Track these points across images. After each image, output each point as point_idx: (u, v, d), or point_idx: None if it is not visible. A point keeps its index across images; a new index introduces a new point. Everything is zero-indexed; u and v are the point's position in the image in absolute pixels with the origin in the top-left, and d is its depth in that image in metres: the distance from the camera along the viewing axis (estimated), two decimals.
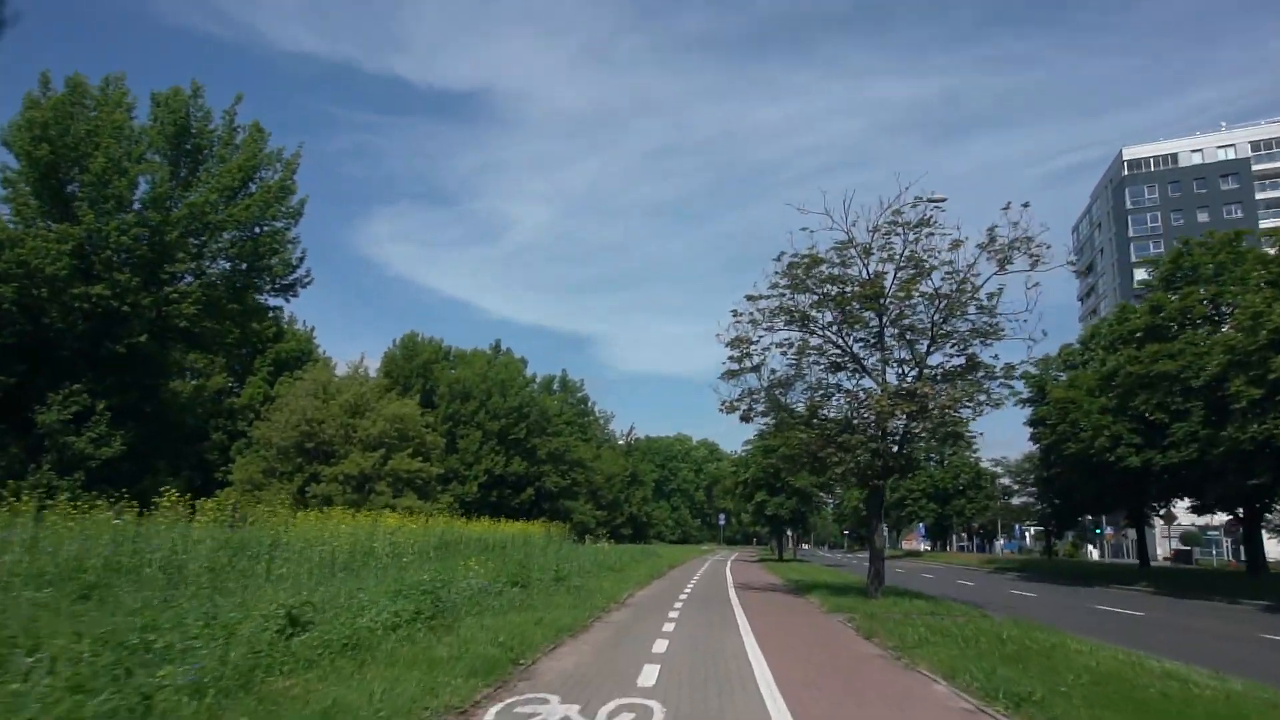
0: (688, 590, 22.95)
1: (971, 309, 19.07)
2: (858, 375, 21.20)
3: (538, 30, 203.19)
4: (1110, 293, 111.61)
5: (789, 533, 57.89)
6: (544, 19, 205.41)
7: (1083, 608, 23.64)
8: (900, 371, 20.52)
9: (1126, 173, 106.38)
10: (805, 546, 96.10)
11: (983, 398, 18.92)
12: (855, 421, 20.59)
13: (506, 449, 67.06)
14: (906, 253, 19.12)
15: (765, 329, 20.97)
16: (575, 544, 38.40)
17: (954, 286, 18.75)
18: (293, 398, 55.96)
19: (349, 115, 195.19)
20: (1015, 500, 54.33)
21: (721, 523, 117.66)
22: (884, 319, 20.14)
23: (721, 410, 22.00)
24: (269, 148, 36.23)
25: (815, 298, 20.20)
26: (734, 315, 21.26)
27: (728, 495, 68.03)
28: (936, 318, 19.23)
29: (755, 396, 21.73)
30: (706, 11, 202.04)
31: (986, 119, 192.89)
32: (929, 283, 19.12)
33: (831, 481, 51.58)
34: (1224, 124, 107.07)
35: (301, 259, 38.64)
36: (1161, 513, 41.32)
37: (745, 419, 22.09)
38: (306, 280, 38.95)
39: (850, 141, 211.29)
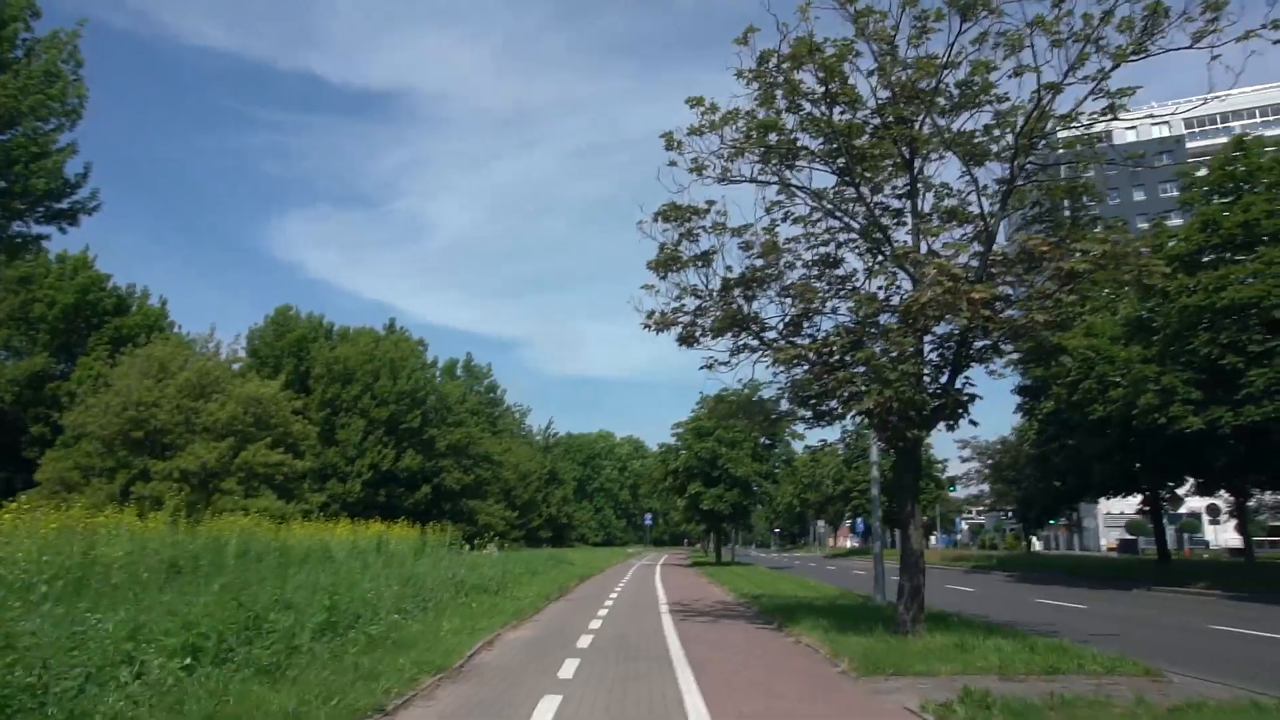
0: (596, 623, 14.35)
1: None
2: (874, 252, 12.91)
3: (458, 29, 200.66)
4: None
5: (729, 531, 50.06)
6: (465, 18, 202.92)
7: (1205, 629, 15.90)
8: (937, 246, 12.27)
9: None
10: (736, 547, 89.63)
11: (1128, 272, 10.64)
12: (875, 329, 12.27)
13: (397, 441, 57.28)
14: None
15: (718, 178, 12.52)
16: (459, 552, 29.47)
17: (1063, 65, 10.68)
18: (118, 378, 45.22)
19: (262, 113, 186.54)
20: (980, 487, 47.70)
21: (648, 523, 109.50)
22: (918, 154, 11.90)
23: (647, 327, 13.50)
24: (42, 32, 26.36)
25: (806, 114, 11.86)
26: (671, 159, 12.77)
27: (655, 490, 59.65)
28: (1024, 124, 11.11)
29: (703, 301, 13.25)
30: (625, 13, 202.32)
31: None
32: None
33: (821, 450, 43.46)
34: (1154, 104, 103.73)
35: (85, 176, 28.67)
36: (1167, 495, 34.57)
37: (686, 341, 13.57)
38: (93, 205, 28.94)
39: None
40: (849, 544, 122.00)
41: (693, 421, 45.48)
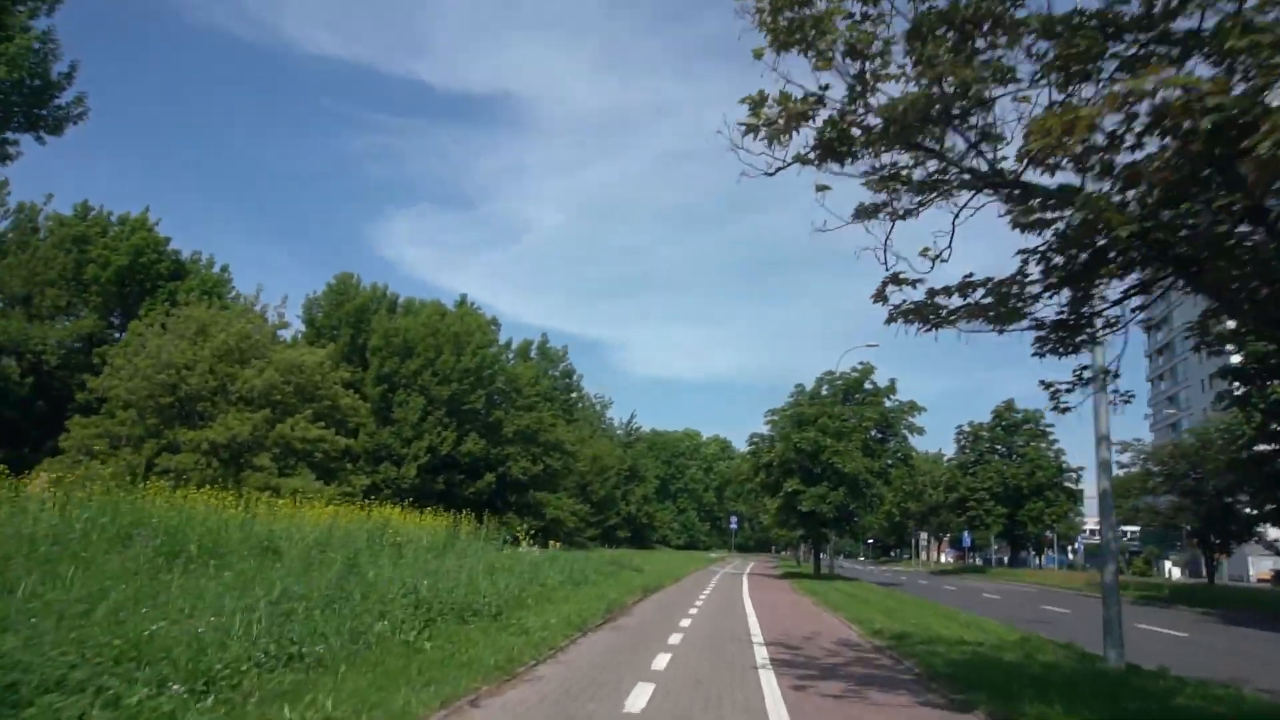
0: (640, 695, 7.77)
1: None
2: None
3: (556, 34, 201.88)
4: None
5: (830, 539, 42.67)
6: (562, 23, 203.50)
7: None
8: None
9: None
10: (822, 556, 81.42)
11: None
12: None
13: (459, 423, 52.02)
14: None
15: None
16: (502, 549, 23.56)
17: None
18: (152, 338, 41.09)
19: (369, 117, 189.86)
20: (1145, 500, 39.14)
21: (733, 526, 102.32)
22: None
23: (751, 130, 6.71)
24: None
25: None
26: None
27: (742, 490, 52.81)
28: None
29: (868, 67, 6.44)
30: (723, 17, 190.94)
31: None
32: None
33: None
34: None
35: (70, 76, 23.89)
36: None
37: (828, 151, 6.76)
38: (78, 112, 24.13)
39: None
40: (944, 559, 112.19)
41: (791, 408, 38.51)
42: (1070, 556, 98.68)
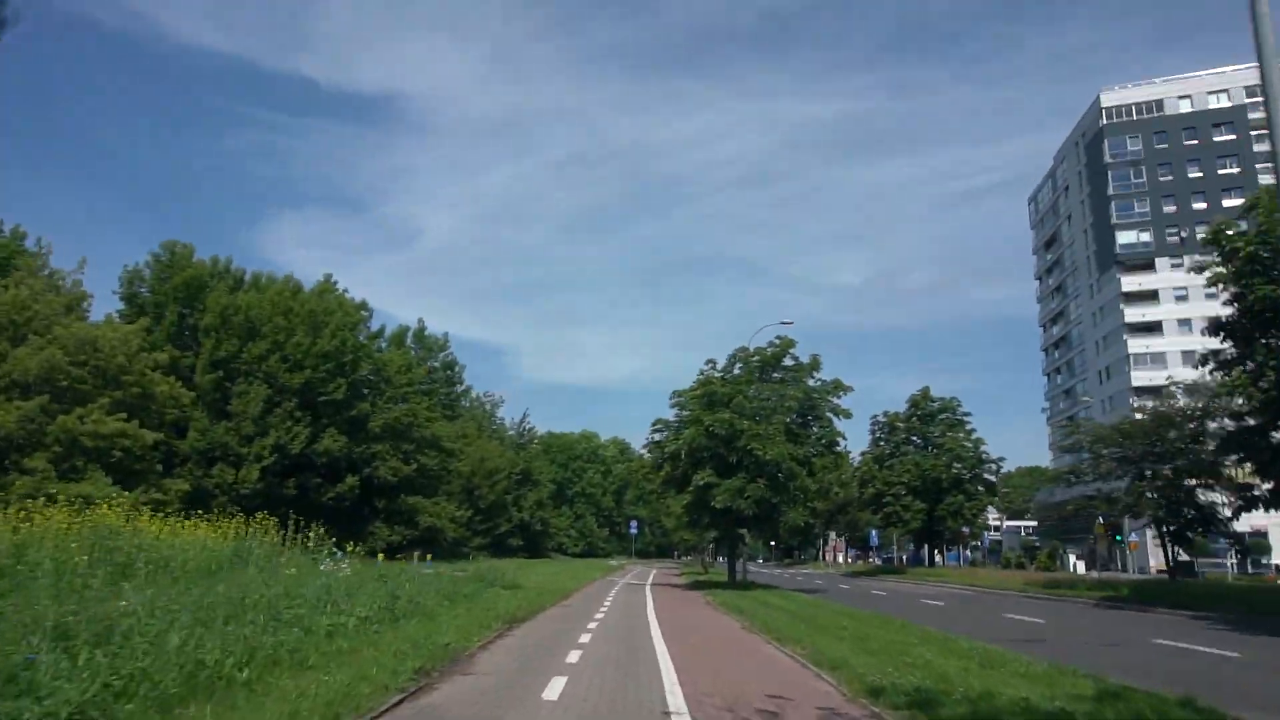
0: None
1: None
2: None
3: (449, 35, 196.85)
4: (1081, 265, 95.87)
5: (745, 541, 37.10)
6: (456, 24, 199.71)
7: None
8: None
9: (1105, 121, 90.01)
10: (722, 559, 76.31)
11: None
12: None
13: (314, 417, 44.31)
14: None
15: None
16: (332, 564, 16.93)
17: None
18: None
19: (252, 114, 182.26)
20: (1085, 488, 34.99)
21: (633, 531, 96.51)
22: None
23: None
24: None
25: None
26: None
27: (642, 489, 46.96)
28: None
29: None
30: (616, 24, 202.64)
31: (886, 141, 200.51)
32: None
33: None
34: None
35: None
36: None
37: None
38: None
39: (758, 157, 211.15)
40: (841, 559, 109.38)
41: (701, 386, 32.76)
42: (970, 553, 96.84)
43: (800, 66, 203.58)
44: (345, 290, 51.64)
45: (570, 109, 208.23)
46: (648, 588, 31.81)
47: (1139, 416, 30.77)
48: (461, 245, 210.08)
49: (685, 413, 32.56)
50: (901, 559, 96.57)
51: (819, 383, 33.48)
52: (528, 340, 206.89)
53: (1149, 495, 29.85)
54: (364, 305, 54.80)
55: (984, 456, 54.71)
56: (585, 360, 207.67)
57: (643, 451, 35.26)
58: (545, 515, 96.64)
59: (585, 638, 13.09)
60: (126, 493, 31.37)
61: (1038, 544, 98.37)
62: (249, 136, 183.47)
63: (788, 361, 33.68)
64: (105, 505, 19.77)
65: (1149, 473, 30.68)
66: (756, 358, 34.10)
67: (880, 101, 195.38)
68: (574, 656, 10.86)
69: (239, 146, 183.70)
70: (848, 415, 33.55)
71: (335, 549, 19.50)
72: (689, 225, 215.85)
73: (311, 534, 19.67)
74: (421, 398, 56.72)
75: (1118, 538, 62.00)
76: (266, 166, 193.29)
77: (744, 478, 29.58)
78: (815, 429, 33.40)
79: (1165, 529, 31.13)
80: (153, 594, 8.94)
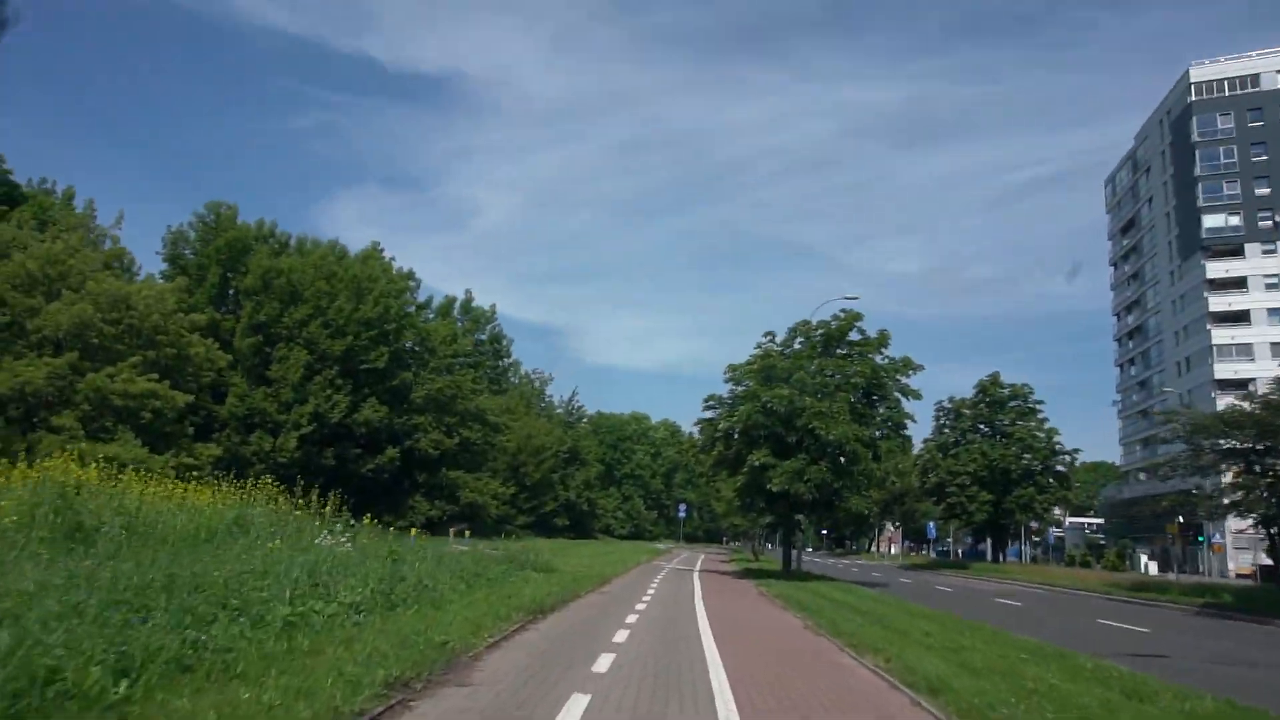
0: None
1: None
2: None
3: (512, 16, 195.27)
4: (1162, 250, 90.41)
5: (803, 528, 34.58)
6: (519, 6, 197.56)
7: None
8: None
9: (1194, 97, 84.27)
10: (769, 546, 73.80)
11: None
12: None
13: (355, 385, 42.95)
14: None
15: None
16: (345, 538, 15.19)
17: None
18: None
19: (315, 94, 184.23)
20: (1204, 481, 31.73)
21: (681, 515, 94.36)
22: None
23: None
24: None
25: None
26: None
27: (691, 472, 44.75)
28: None
29: None
30: (679, 7, 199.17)
31: (953, 128, 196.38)
32: None
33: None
34: None
35: None
36: None
37: None
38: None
39: (818, 143, 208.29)
40: (895, 551, 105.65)
41: (759, 360, 30.33)
42: (1030, 549, 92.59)
43: (865, 51, 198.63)
44: (392, 259, 50.29)
45: (630, 92, 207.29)
46: (695, 574, 29.65)
47: (1246, 406, 27.44)
48: (517, 227, 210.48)
49: (740, 388, 30.18)
50: (958, 553, 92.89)
51: (886, 360, 30.81)
52: (580, 323, 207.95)
53: (1258, 492, 26.62)
54: (410, 275, 53.41)
55: (1057, 447, 51.27)
56: (637, 344, 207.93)
57: (693, 431, 32.97)
58: (592, 495, 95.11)
59: (620, 636, 10.95)
60: (156, 456, 30.27)
61: (1103, 542, 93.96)
62: (312, 116, 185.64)
63: (853, 336, 31.05)
64: (132, 470, 18.29)
65: (1257, 467, 27.43)
66: (819, 331, 31.55)
67: (946, 87, 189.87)
68: (603, 663, 8.71)
69: (302, 126, 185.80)
70: (917, 396, 30.89)
71: (353, 520, 17.72)
72: (746, 211, 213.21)
73: (329, 504, 17.91)
74: (466, 370, 55.26)
75: (1199, 538, 58.02)
76: (327, 145, 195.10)
77: (803, 459, 27.14)
78: (881, 409, 30.75)
79: (1275, 530, 27.84)
80: (68, 569, 7.01)
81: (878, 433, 29.87)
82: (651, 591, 19.48)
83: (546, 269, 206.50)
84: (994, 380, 54.48)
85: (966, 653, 10.83)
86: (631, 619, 13.06)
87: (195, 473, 29.20)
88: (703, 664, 9.19)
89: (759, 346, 31.06)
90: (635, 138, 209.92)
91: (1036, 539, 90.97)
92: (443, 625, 9.03)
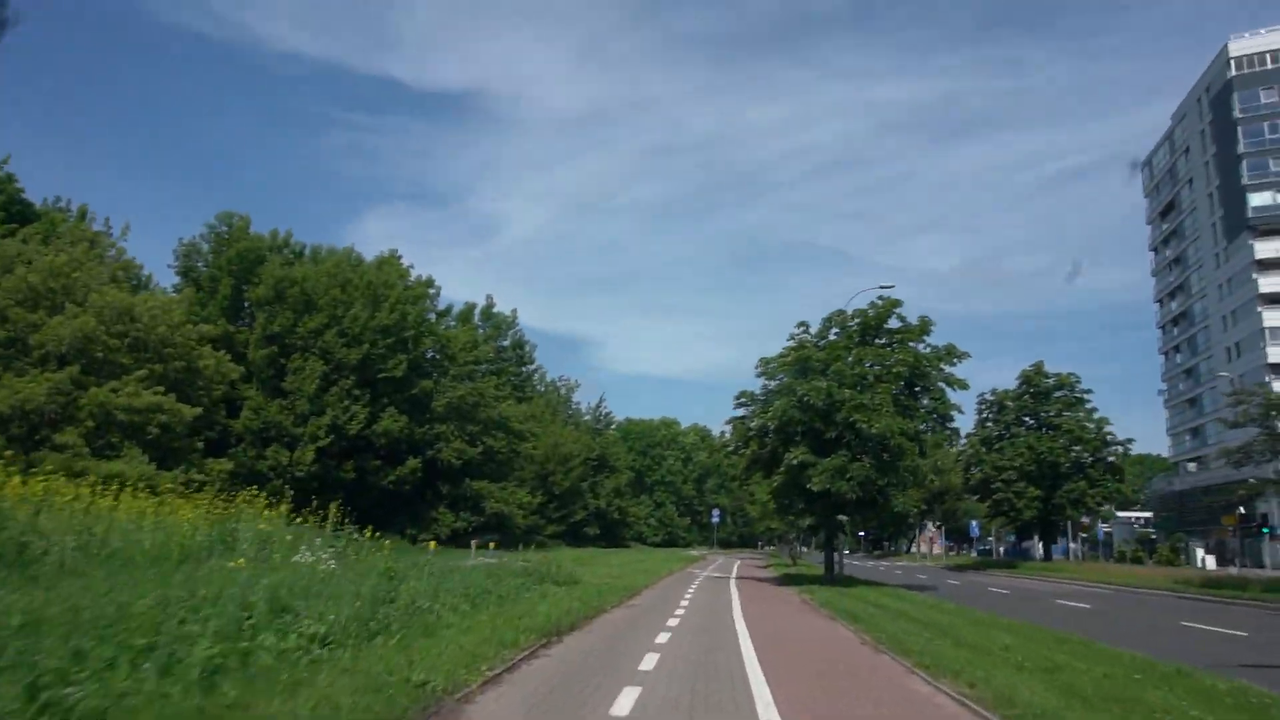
0: None
1: None
2: None
3: (532, 29, 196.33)
4: (1205, 232, 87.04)
5: (844, 527, 32.56)
6: (538, 18, 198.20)
7: None
8: None
9: (1235, 72, 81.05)
10: (804, 550, 71.57)
11: None
12: None
13: (373, 395, 41.70)
14: None
15: None
16: (340, 553, 13.67)
17: None
18: None
19: (341, 115, 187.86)
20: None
21: (715, 520, 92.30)
22: None
23: None
24: None
25: None
26: None
27: (725, 472, 42.92)
28: None
29: None
30: (701, 11, 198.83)
31: (984, 122, 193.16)
32: None
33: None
34: None
35: None
36: None
37: None
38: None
39: (846, 142, 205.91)
40: (935, 550, 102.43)
41: (793, 352, 28.47)
42: (1077, 546, 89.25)
43: (890, 47, 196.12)
44: (410, 266, 49.00)
45: (654, 99, 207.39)
46: (732, 582, 27.80)
47: None
48: (544, 238, 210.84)
49: (774, 383, 28.34)
50: (999, 551, 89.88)
51: (929, 349, 28.80)
52: (609, 332, 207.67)
53: None
54: (430, 282, 52.14)
55: (1108, 438, 48.69)
56: (667, 352, 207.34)
57: (725, 430, 31.13)
58: (623, 503, 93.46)
59: (648, 661, 9.22)
60: (164, 472, 29.05)
61: (1154, 536, 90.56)
62: (339, 137, 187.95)
63: (892, 324, 29.06)
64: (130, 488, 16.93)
65: None
66: (856, 320, 29.58)
67: (974, 81, 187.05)
68: (625, 701, 6.98)
69: (329, 146, 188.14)
70: (964, 386, 28.79)
71: (359, 534, 16.15)
72: (775, 214, 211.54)
73: (329, 516, 16.37)
74: (489, 377, 53.86)
75: (1264, 529, 55.06)
76: (355, 165, 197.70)
77: (845, 456, 25.22)
78: (925, 401, 28.72)
79: None
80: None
81: (922, 426, 27.81)
82: (685, 603, 17.70)
83: (575, 279, 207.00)
84: (1038, 370, 51.99)
85: (1065, 673, 8.98)
86: (662, 638, 11.32)
87: (202, 489, 27.96)
88: (748, 697, 7.43)
89: (792, 338, 29.21)
90: (661, 144, 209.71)
91: (1084, 535, 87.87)
92: (429, 659, 7.35)
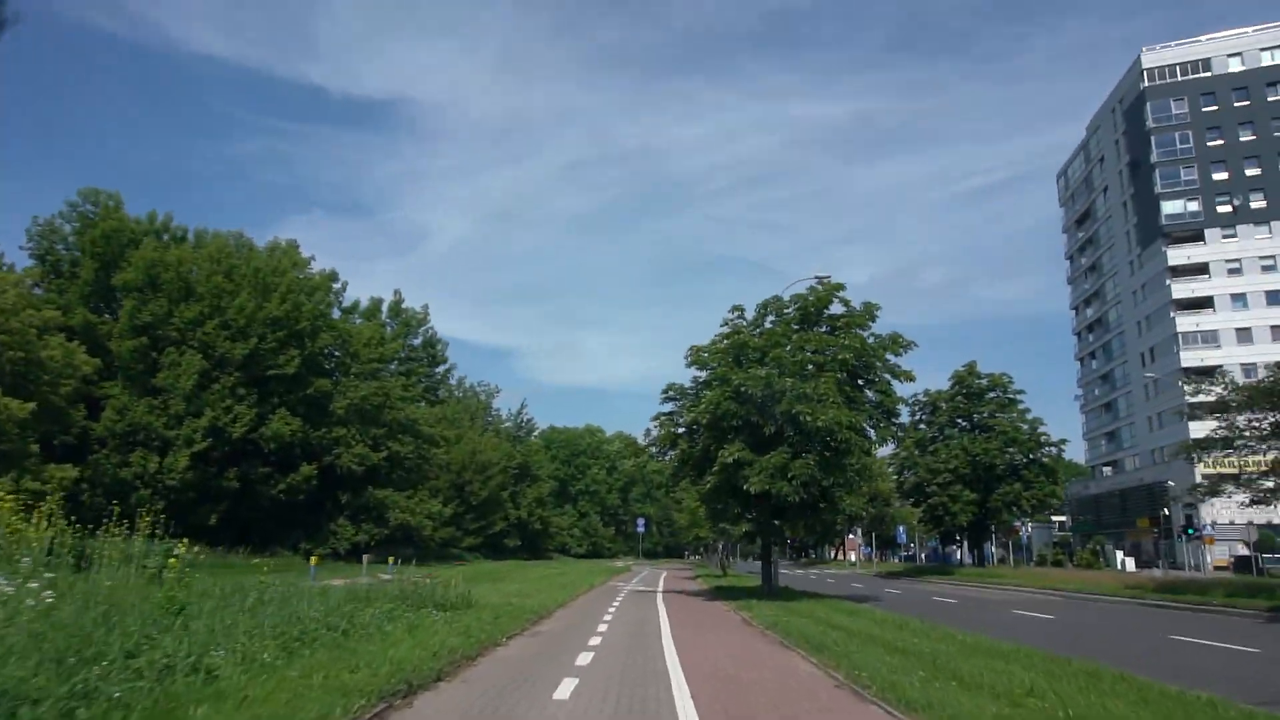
0: None
1: None
2: None
3: (455, 39, 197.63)
4: (1120, 240, 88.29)
5: (784, 534, 29.64)
6: (462, 28, 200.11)
7: None
8: None
9: (1147, 83, 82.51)
10: (731, 560, 68.73)
11: None
12: None
13: (261, 394, 37.28)
14: None
15: None
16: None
17: None
18: None
19: (260, 121, 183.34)
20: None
21: (640, 529, 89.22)
22: None
23: None
24: None
25: None
26: None
27: (650, 474, 39.92)
28: None
29: None
30: (623, 26, 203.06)
31: (898, 139, 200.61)
32: None
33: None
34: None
35: None
36: None
37: None
38: None
39: (766, 157, 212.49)
40: (855, 557, 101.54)
41: (728, 338, 25.57)
42: (996, 550, 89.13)
43: (807, 66, 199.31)
44: (311, 257, 44.47)
45: (576, 111, 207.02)
46: (659, 598, 24.68)
47: None
48: (468, 249, 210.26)
49: (706, 373, 25.35)
50: (921, 557, 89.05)
51: (873, 339, 26.28)
52: (534, 343, 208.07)
53: None
54: (333, 275, 47.79)
55: (1042, 439, 47.38)
56: (592, 363, 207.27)
57: (651, 428, 27.93)
58: (545, 514, 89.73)
59: None
60: None
61: (1070, 539, 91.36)
62: (257, 143, 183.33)
63: (834, 309, 26.47)
64: None
65: None
66: (793, 306, 26.91)
67: (888, 100, 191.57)
68: None
69: (247, 153, 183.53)
70: (910, 378, 26.37)
71: (170, 545, 12.43)
72: (697, 226, 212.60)
73: (141, 522, 12.59)
74: (396, 378, 49.64)
75: (1188, 531, 54.72)
76: (274, 172, 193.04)
77: (786, 452, 22.37)
78: (870, 394, 26.18)
79: None
80: None
81: (866, 421, 25.21)
82: (603, 629, 14.47)
83: (500, 289, 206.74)
84: (970, 370, 50.59)
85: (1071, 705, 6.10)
86: (565, 689, 8.09)
87: (41, 501, 23.48)
88: None
89: (726, 324, 26.28)
90: (585, 156, 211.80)
91: (1009, 539, 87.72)
92: None
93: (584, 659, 10.32)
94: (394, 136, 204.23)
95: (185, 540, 14.26)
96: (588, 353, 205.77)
